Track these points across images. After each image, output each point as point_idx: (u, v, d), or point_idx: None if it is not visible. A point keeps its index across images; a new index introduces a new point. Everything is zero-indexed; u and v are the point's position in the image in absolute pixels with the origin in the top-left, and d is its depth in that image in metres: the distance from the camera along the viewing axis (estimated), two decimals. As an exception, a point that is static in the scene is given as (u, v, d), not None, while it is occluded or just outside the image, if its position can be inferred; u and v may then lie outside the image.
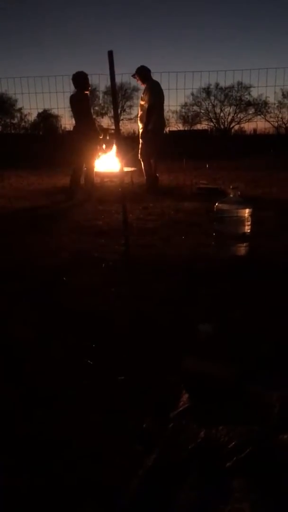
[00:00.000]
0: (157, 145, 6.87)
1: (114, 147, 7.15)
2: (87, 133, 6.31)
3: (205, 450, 1.29)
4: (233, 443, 1.29)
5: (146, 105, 6.60)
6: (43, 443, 1.43)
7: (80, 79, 6.37)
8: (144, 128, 6.66)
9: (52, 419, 1.54)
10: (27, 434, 1.47)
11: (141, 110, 6.80)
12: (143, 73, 6.76)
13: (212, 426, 1.37)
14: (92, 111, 6.73)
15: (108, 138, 7.42)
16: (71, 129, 6.99)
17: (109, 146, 7.40)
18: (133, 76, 6.88)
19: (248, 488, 1.15)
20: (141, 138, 6.80)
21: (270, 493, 1.13)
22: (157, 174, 7.16)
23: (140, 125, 6.84)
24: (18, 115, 39.61)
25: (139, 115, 6.95)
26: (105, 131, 7.46)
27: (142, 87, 6.89)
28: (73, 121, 6.62)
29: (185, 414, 1.47)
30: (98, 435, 1.45)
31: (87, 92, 6.47)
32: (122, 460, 1.33)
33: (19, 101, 35.81)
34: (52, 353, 1.99)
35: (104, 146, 7.24)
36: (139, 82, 6.91)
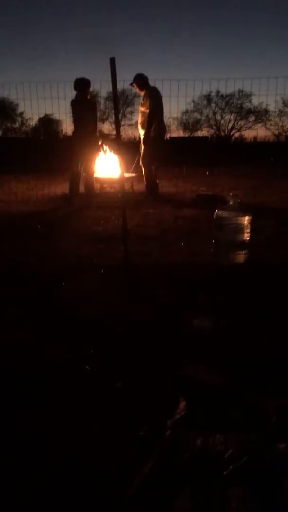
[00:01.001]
0: (159, 151, 6.89)
1: (110, 153, 7.18)
2: (88, 139, 6.33)
3: (202, 458, 1.29)
4: (230, 451, 1.28)
5: (147, 111, 6.62)
6: (40, 448, 1.43)
7: (85, 85, 6.42)
8: (146, 134, 6.68)
9: (50, 425, 1.54)
10: (24, 439, 1.47)
11: (142, 116, 6.82)
12: (140, 80, 6.80)
13: (209, 434, 1.36)
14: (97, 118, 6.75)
15: (108, 143, 7.43)
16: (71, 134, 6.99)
17: (108, 152, 7.42)
18: (131, 84, 6.92)
19: (244, 497, 1.15)
20: (143, 144, 6.82)
21: (267, 502, 1.13)
22: (157, 181, 7.17)
23: (141, 132, 6.86)
24: (20, 119, 39.72)
25: (139, 122, 6.97)
26: (106, 136, 7.48)
27: (141, 94, 6.93)
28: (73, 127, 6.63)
29: (182, 422, 1.47)
30: (96, 442, 1.45)
31: (89, 98, 6.53)
32: (119, 467, 1.32)
33: (20, 106, 35.84)
34: (51, 359, 1.99)
35: (103, 151, 7.26)
36: (137, 90, 6.96)
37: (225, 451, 1.29)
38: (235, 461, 1.25)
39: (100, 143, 6.80)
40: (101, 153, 7.18)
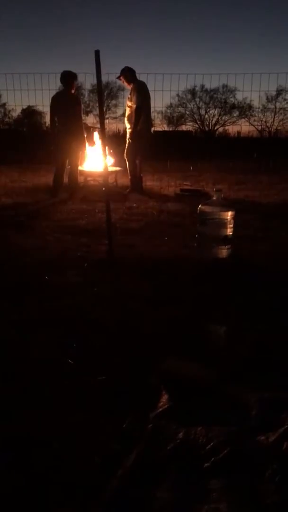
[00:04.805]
0: (144, 145, 6.85)
1: (98, 145, 7.11)
2: (74, 133, 6.28)
3: (184, 451, 1.30)
4: (212, 443, 1.30)
5: (134, 106, 6.56)
6: (22, 443, 1.42)
7: (71, 79, 6.37)
8: (133, 128, 6.63)
9: (32, 419, 1.54)
10: (6, 434, 1.46)
11: (129, 110, 6.75)
12: (128, 74, 6.71)
13: (191, 427, 1.38)
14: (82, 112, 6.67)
15: (92, 136, 7.39)
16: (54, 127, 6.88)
17: (93, 144, 7.37)
18: (118, 77, 6.83)
19: (225, 488, 1.17)
20: (130, 139, 6.77)
21: (247, 494, 1.15)
22: (141, 175, 7.15)
23: (128, 125, 6.80)
24: (2, 110, 39.21)
25: (126, 115, 6.91)
26: (89, 129, 7.42)
27: (128, 88, 6.85)
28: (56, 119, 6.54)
29: (165, 414, 1.48)
30: (78, 435, 1.45)
31: (74, 92, 6.47)
32: (101, 460, 1.33)
33: (3, 97, 35.38)
34: (33, 353, 1.98)
35: (88, 144, 7.20)
36: (125, 84, 6.86)
37: (207, 444, 1.30)
38: (216, 454, 1.27)
39: (85, 135, 6.74)
40: (87, 146, 7.12)
